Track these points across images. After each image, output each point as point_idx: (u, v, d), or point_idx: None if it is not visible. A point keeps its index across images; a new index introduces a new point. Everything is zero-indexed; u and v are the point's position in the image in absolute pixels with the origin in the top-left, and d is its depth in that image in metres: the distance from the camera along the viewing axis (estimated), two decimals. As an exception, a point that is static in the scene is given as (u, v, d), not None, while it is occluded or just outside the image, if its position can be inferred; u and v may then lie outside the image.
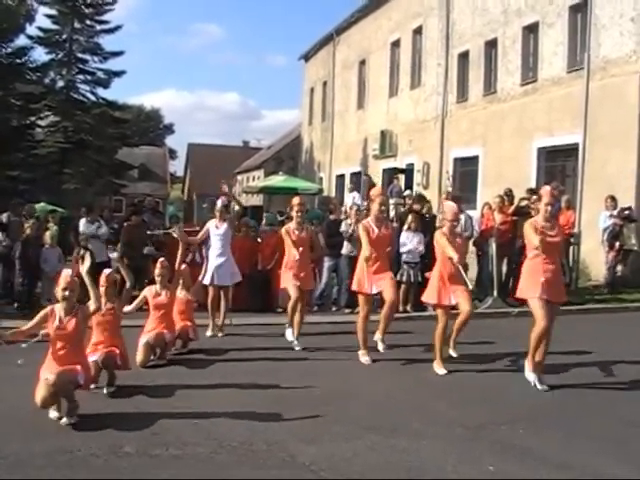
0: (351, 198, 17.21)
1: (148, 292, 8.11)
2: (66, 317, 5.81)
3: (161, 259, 8.46)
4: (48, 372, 5.58)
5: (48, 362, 5.76)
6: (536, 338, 6.70)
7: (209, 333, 9.53)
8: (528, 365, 6.88)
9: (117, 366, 6.72)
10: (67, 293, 5.80)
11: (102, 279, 6.87)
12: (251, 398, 6.42)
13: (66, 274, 5.92)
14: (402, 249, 11.46)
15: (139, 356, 7.63)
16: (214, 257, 9.64)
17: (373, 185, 16.74)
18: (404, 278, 11.45)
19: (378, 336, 8.05)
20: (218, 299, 9.69)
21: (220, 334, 9.56)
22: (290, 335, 8.79)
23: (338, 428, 5.49)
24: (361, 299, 8.06)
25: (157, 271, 8.16)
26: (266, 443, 5.11)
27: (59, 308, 5.86)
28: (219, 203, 9.97)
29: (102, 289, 6.75)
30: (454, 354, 7.91)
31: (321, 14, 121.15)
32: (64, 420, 5.61)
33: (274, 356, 8.28)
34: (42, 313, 5.86)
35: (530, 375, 6.83)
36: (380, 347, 8.08)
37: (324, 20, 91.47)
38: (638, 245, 13.22)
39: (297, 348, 8.65)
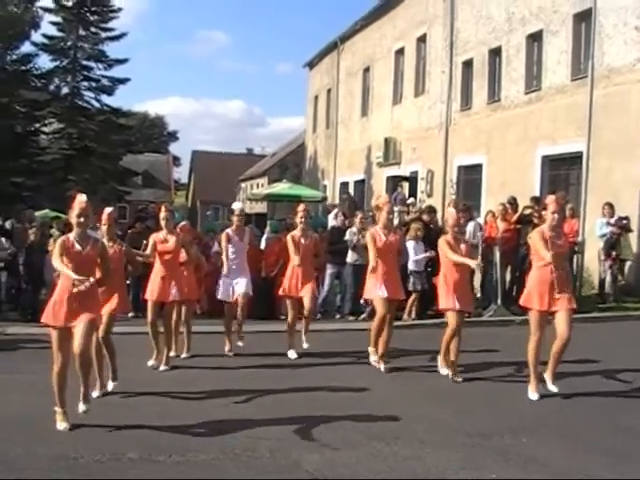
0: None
1: (156, 238, 7.91)
2: (83, 244, 5.60)
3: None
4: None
5: (64, 306, 5.48)
6: (532, 351, 6.71)
7: (227, 348, 8.86)
8: (547, 378, 6.79)
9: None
10: (81, 219, 5.61)
11: (104, 217, 6.71)
12: (254, 405, 6.42)
13: (81, 199, 5.65)
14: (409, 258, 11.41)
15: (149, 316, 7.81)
16: (230, 271, 8.65)
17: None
18: (418, 287, 11.42)
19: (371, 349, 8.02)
20: (234, 315, 8.89)
21: (240, 343, 8.73)
22: (293, 354, 8.63)
23: (341, 435, 5.48)
24: (377, 303, 7.87)
25: (162, 215, 7.93)
26: (269, 450, 5.11)
27: (73, 235, 5.64)
28: (237, 206, 8.98)
29: (104, 228, 6.58)
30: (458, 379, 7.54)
31: (326, 22, 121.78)
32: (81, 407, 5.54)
33: (277, 363, 8.29)
34: (59, 244, 5.57)
35: (552, 387, 6.74)
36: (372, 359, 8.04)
37: (329, 28, 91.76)
38: (633, 255, 13.12)
39: (293, 357, 8.61)
